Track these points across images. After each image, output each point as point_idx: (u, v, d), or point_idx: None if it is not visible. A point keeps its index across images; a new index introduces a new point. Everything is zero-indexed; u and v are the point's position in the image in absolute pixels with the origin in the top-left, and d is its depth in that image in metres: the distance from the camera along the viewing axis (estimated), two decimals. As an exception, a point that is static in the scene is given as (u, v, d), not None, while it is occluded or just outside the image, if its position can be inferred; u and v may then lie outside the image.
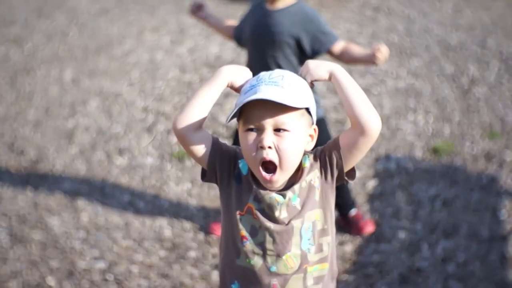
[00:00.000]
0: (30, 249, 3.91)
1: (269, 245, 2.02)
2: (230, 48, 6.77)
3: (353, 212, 3.97)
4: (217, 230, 3.90)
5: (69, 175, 4.69)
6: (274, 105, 1.90)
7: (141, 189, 4.51)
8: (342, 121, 5.28)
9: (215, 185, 2.14)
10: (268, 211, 2.01)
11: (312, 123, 2.05)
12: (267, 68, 3.46)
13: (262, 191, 2.01)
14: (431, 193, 4.30)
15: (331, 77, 1.99)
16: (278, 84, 1.94)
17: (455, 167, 4.59)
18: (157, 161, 4.85)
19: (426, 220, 4.05)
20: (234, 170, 2.07)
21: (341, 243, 3.88)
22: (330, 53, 3.59)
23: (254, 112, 1.94)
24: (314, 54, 3.56)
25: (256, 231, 2.03)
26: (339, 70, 1.99)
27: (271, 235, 2.01)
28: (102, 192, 4.48)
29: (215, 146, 2.05)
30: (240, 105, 1.92)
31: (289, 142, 1.95)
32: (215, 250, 3.87)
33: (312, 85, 2.05)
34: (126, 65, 6.67)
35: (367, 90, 5.82)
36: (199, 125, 2.00)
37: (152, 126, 5.36)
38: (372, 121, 1.93)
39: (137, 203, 4.36)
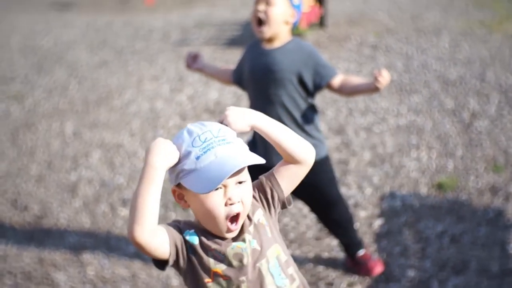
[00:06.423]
0: (37, 306, 3.87)
1: None
2: (230, 93, 6.80)
3: (361, 252, 3.93)
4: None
5: (73, 228, 4.67)
6: None
7: (146, 240, 4.46)
8: (345, 161, 5.27)
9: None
10: (238, 263, 1.98)
11: None
12: (271, 106, 3.47)
13: (219, 248, 1.97)
14: (438, 229, 4.26)
15: (252, 128, 2.02)
16: (229, 141, 1.93)
17: (461, 202, 4.55)
18: (161, 211, 4.83)
19: (435, 257, 4.00)
20: (186, 245, 2.00)
21: (350, 285, 3.84)
22: (330, 87, 3.54)
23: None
24: (316, 89, 3.52)
25: None
26: (259, 121, 2.03)
27: (246, 286, 1.98)
28: (108, 244, 4.45)
29: (173, 242, 1.99)
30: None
31: (249, 192, 1.99)
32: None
33: None
34: (127, 115, 6.70)
35: (368, 129, 5.83)
36: (155, 228, 1.94)
37: (155, 175, 5.33)
38: (307, 154, 2.07)
39: (143, 254, 4.31)
